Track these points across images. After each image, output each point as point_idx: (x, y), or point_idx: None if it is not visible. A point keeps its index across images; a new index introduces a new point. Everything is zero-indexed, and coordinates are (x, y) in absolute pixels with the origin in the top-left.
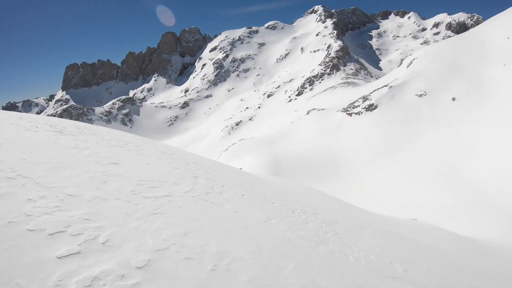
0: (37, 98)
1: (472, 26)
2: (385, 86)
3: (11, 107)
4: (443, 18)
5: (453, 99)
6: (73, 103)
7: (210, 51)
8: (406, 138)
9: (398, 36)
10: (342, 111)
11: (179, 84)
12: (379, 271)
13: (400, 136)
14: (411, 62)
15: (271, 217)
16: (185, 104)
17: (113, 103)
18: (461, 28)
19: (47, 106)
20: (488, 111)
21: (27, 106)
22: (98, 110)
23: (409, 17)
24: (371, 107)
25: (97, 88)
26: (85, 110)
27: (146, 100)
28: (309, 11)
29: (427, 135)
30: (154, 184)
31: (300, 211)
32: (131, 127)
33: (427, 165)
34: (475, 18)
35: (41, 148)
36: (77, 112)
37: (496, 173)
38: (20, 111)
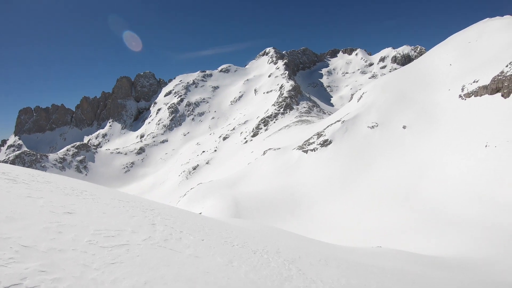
0: None
1: (416, 57)
2: (338, 121)
3: None
4: (389, 52)
5: (404, 127)
6: (26, 149)
7: (165, 96)
8: (362, 168)
9: (347, 73)
10: (298, 148)
11: (135, 130)
12: None
13: (356, 167)
14: (361, 96)
15: (232, 260)
16: (141, 150)
17: (67, 150)
18: (406, 60)
19: None
20: (438, 135)
21: None
22: (52, 156)
23: (356, 54)
24: (325, 143)
25: (51, 134)
26: (39, 156)
27: (101, 146)
28: (261, 53)
29: (381, 163)
30: (111, 233)
31: (262, 251)
32: (86, 174)
33: (384, 191)
34: (418, 49)
35: None
36: (30, 158)
37: (449, 192)
38: None
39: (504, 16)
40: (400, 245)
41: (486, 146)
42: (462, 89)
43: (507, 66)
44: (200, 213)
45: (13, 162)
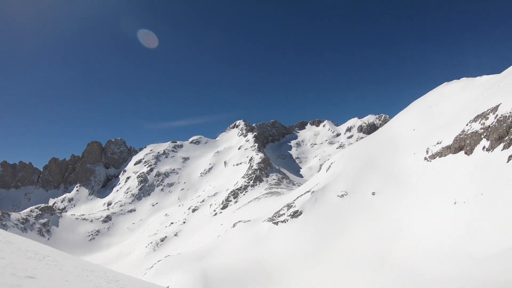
0: None
1: (381, 125)
2: (308, 192)
3: None
4: (355, 122)
5: (373, 193)
6: None
7: (135, 164)
8: (334, 237)
9: (315, 144)
10: (268, 220)
11: (102, 197)
12: None
13: (327, 236)
14: (330, 166)
15: None
16: (108, 218)
17: (31, 210)
18: (371, 128)
19: None
20: (407, 197)
21: None
22: (14, 216)
23: (324, 125)
24: (296, 214)
25: (15, 192)
26: (0, 214)
27: (66, 211)
28: (231, 125)
29: (353, 230)
30: None
31: None
32: (48, 238)
33: (358, 257)
34: (382, 117)
35: None
36: None
37: (425, 252)
38: None
39: (461, 78)
40: None
41: (455, 203)
42: (427, 151)
43: (467, 124)
44: (168, 287)
45: None
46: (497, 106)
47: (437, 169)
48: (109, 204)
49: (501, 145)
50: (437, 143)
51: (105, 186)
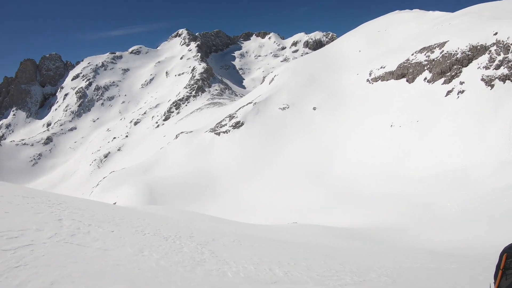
0: None
1: (328, 43)
2: (250, 103)
3: None
4: (301, 37)
5: (314, 108)
6: None
7: (72, 79)
8: (275, 148)
9: (259, 56)
10: (210, 131)
11: (41, 118)
12: (258, 280)
13: (269, 147)
14: (273, 78)
15: (143, 249)
16: (49, 140)
17: None
18: (318, 45)
19: None
20: (345, 116)
21: None
22: None
23: (269, 38)
24: (238, 124)
25: None
26: None
27: (5, 138)
28: (173, 34)
29: (293, 144)
30: (14, 234)
31: (174, 237)
32: None
33: (297, 170)
34: (330, 35)
35: None
36: None
37: (360, 168)
38: None
39: (413, 9)
40: (316, 221)
41: (391, 126)
42: (370, 74)
43: (412, 54)
44: (115, 203)
45: None
46: (445, 43)
47: (378, 92)
48: (48, 124)
49: (442, 79)
50: (381, 67)
51: (43, 106)
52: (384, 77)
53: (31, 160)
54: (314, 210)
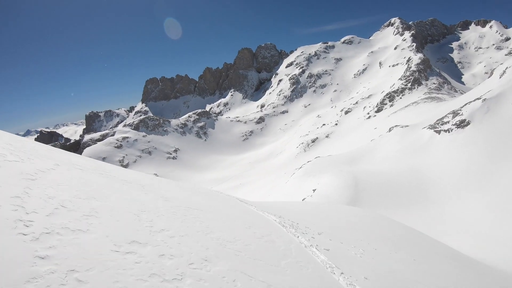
0: (118, 108)
1: None
2: (478, 99)
3: (94, 116)
4: None
5: None
6: (151, 114)
7: (286, 67)
8: (506, 161)
9: (480, 48)
10: (429, 128)
11: (255, 100)
12: None
13: (498, 158)
14: (504, 71)
15: None
16: (261, 119)
17: (189, 116)
18: None
19: (127, 116)
20: None
21: (109, 116)
22: (174, 122)
23: (491, 26)
24: (462, 123)
25: (175, 102)
26: (161, 121)
27: (222, 115)
28: (385, 24)
29: None
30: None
31: None
32: (205, 140)
33: None
34: None
35: None
36: (153, 123)
37: None
38: (102, 120)
39: None
40: None
41: None
42: None
43: None
44: (314, 190)
45: (137, 126)
46: None
47: None
48: (262, 106)
49: None
50: None
51: (258, 90)
52: None
53: (242, 136)
54: None
